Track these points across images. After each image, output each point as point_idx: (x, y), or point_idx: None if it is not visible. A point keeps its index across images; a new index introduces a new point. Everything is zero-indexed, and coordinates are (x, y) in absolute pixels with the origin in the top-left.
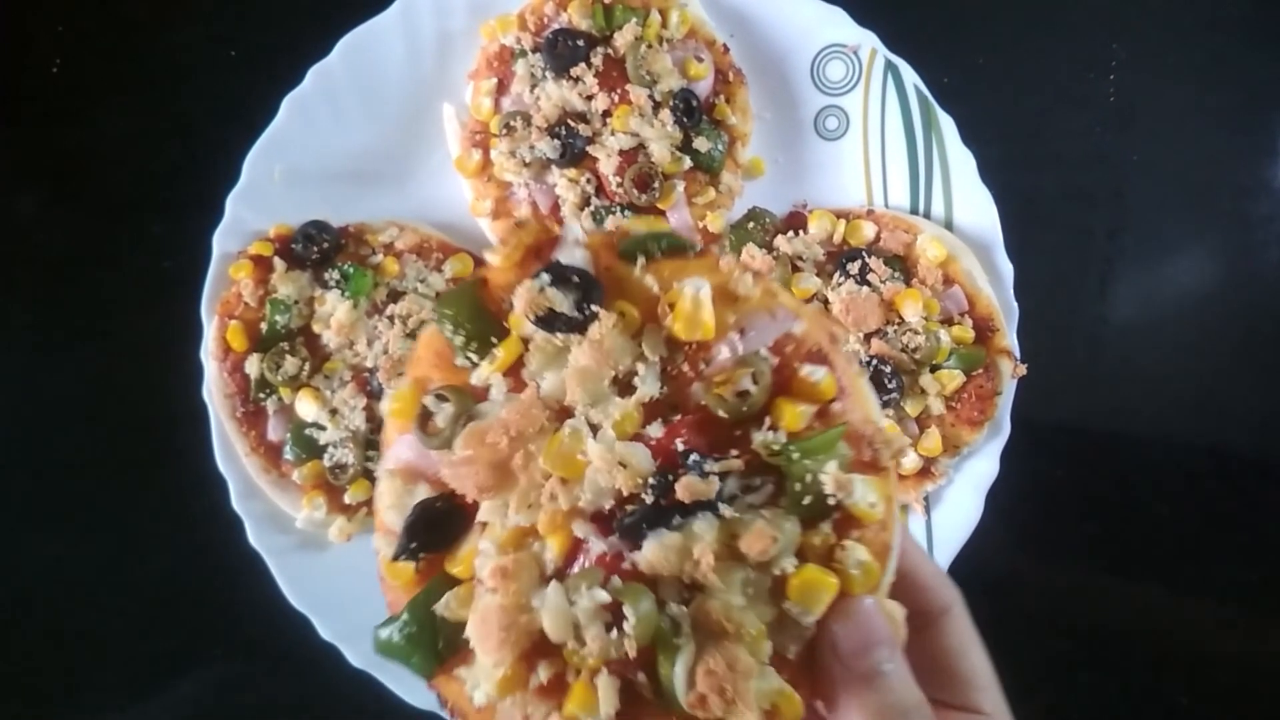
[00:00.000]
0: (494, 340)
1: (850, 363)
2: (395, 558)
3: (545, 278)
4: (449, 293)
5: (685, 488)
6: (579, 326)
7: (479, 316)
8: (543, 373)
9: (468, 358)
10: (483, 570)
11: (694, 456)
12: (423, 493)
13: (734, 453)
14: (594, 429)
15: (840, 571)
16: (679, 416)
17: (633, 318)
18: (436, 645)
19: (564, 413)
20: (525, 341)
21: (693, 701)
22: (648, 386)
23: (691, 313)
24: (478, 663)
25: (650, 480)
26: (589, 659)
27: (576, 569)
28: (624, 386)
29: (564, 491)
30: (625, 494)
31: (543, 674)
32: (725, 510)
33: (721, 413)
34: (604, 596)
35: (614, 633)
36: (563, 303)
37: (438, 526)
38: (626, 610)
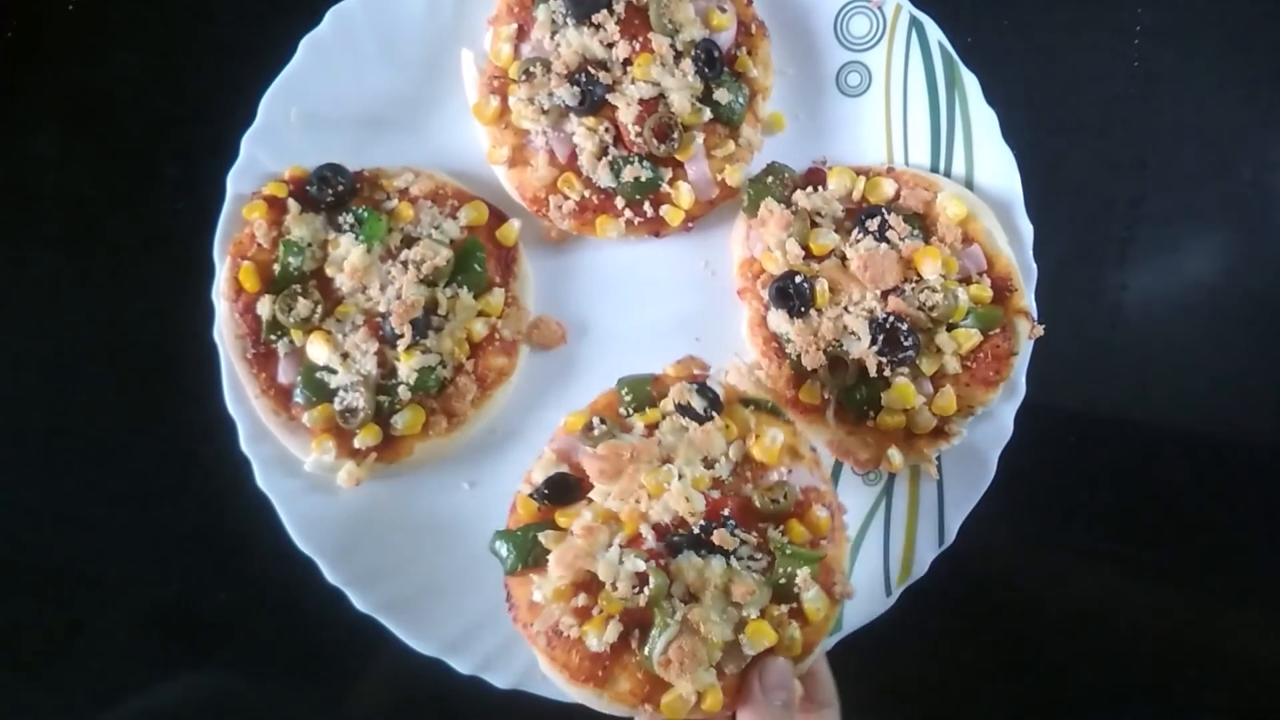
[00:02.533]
0: (646, 409)
1: (842, 527)
2: (530, 496)
3: (694, 386)
4: (634, 377)
5: (719, 536)
6: (699, 419)
7: (643, 394)
8: (667, 436)
9: (627, 410)
10: (576, 526)
11: (730, 522)
12: (563, 468)
13: (754, 533)
14: (680, 476)
15: (780, 635)
16: (732, 496)
17: (731, 431)
18: (528, 556)
19: (667, 460)
20: (664, 414)
21: (660, 661)
22: (721, 469)
23: (767, 446)
24: (548, 576)
25: (699, 521)
26: (614, 602)
27: (629, 547)
28: (708, 463)
29: (647, 502)
30: (680, 522)
31: (581, 600)
32: (734, 562)
33: (758, 505)
34: (641, 565)
35: (636, 589)
36: (698, 403)
37: (562, 490)
38: (651, 580)
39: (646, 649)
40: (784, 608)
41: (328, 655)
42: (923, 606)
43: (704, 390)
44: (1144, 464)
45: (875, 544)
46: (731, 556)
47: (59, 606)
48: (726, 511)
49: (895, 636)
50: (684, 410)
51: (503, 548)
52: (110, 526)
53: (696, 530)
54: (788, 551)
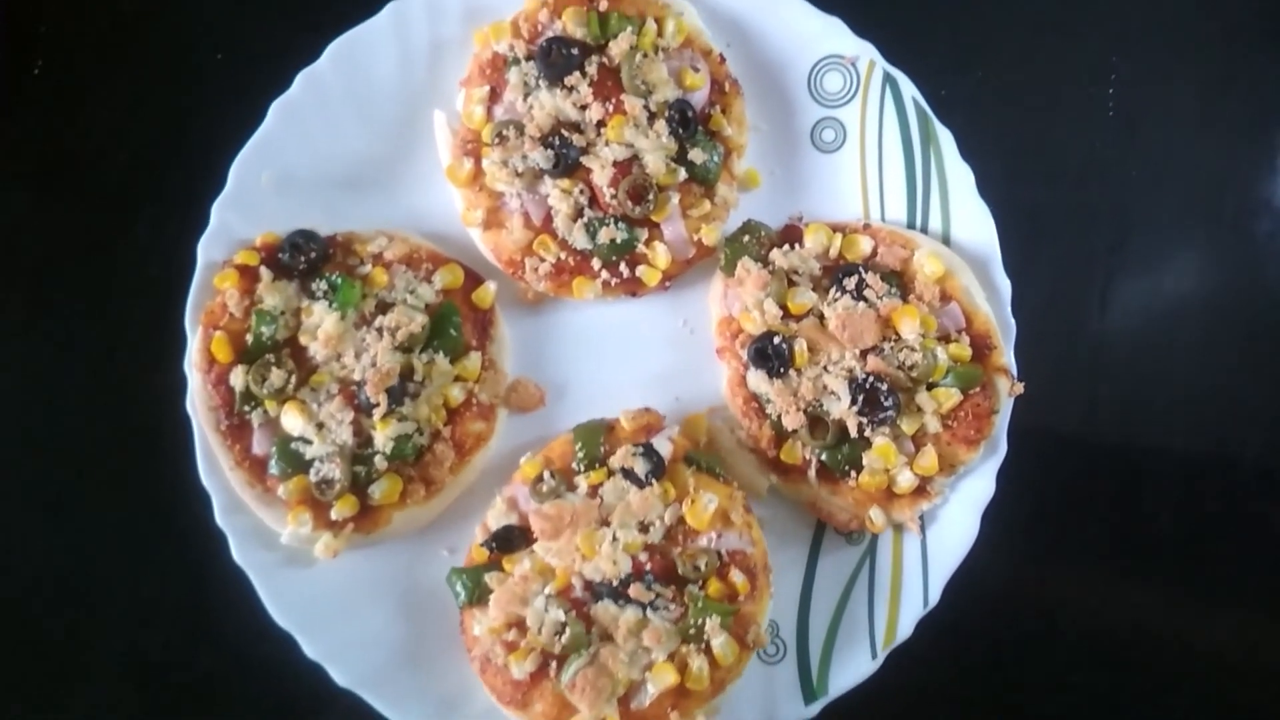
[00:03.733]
0: (596, 465)
1: (766, 585)
2: (482, 544)
3: (639, 449)
4: (590, 424)
5: (635, 590)
6: (640, 484)
7: (595, 447)
8: (609, 497)
9: (579, 465)
10: (516, 574)
11: (650, 577)
12: (511, 519)
13: (672, 587)
14: (614, 539)
15: (686, 674)
16: (657, 555)
17: (669, 494)
18: (475, 594)
19: (605, 521)
20: (610, 473)
21: (567, 685)
22: (654, 532)
23: (699, 511)
24: (489, 612)
25: (622, 577)
26: (536, 643)
27: (556, 597)
28: (642, 526)
29: (579, 561)
30: (607, 578)
31: (511, 635)
32: (648, 612)
33: (679, 571)
34: (561, 617)
35: (554, 636)
36: (641, 467)
37: (508, 542)
38: (568, 630)
39: (561, 676)
40: (693, 648)
41: None
42: (912, 666)
43: (649, 453)
44: (1129, 518)
45: (860, 606)
46: (647, 607)
47: (36, 676)
48: (649, 568)
49: (882, 699)
50: (627, 475)
51: (457, 584)
52: (82, 600)
53: (618, 584)
54: (699, 604)
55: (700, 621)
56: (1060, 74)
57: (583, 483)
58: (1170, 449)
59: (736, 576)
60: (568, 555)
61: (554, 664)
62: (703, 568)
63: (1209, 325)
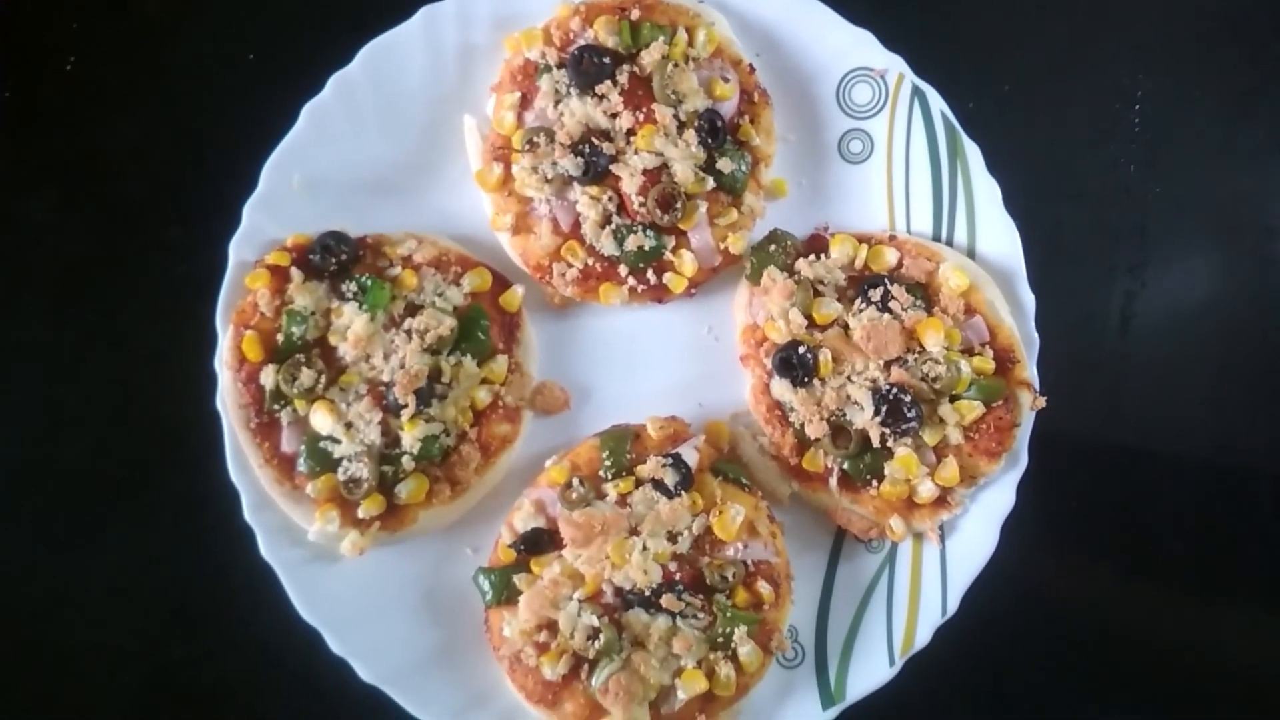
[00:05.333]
0: (624, 473)
1: (789, 592)
2: (510, 545)
3: (668, 460)
4: (615, 431)
5: (666, 600)
6: (668, 494)
7: (622, 456)
8: (638, 506)
9: (607, 473)
10: (546, 577)
11: (680, 587)
12: (539, 522)
13: (701, 596)
14: (644, 548)
15: (715, 679)
16: (685, 564)
17: (697, 504)
18: (504, 594)
19: (635, 530)
20: (638, 482)
21: (599, 689)
22: (683, 542)
23: (727, 523)
24: (518, 615)
25: (653, 586)
26: (569, 646)
27: (587, 602)
28: (671, 536)
29: (609, 568)
30: (638, 587)
31: (542, 637)
32: (678, 621)
33: (707, 581)
34: (595, 622)
35: (587, 641)
36: (670, 478)
37: (536, 544)
38: (602, 635)
39: (592, 679)
40: (720, 655)
41: None
42: (929, 673)
43: (678, 464)
44: (1148, 530)
45: (879, 613)
46: (677, 616)
47: (65, 675)
48: (678, 577)
49: (900, 706)
50: (657, 485)
51: (484, 583)
52: (113, 596)
53: (649, 593)
54: (728, 614)
55: (728, 630)
56: (1086, 92)
57: (611, 491)
58: (1189, 463)
59: (762, 586)
60: (598, 562)
61: (584, 667)
62: (730, 578)
63: (1228, 342)
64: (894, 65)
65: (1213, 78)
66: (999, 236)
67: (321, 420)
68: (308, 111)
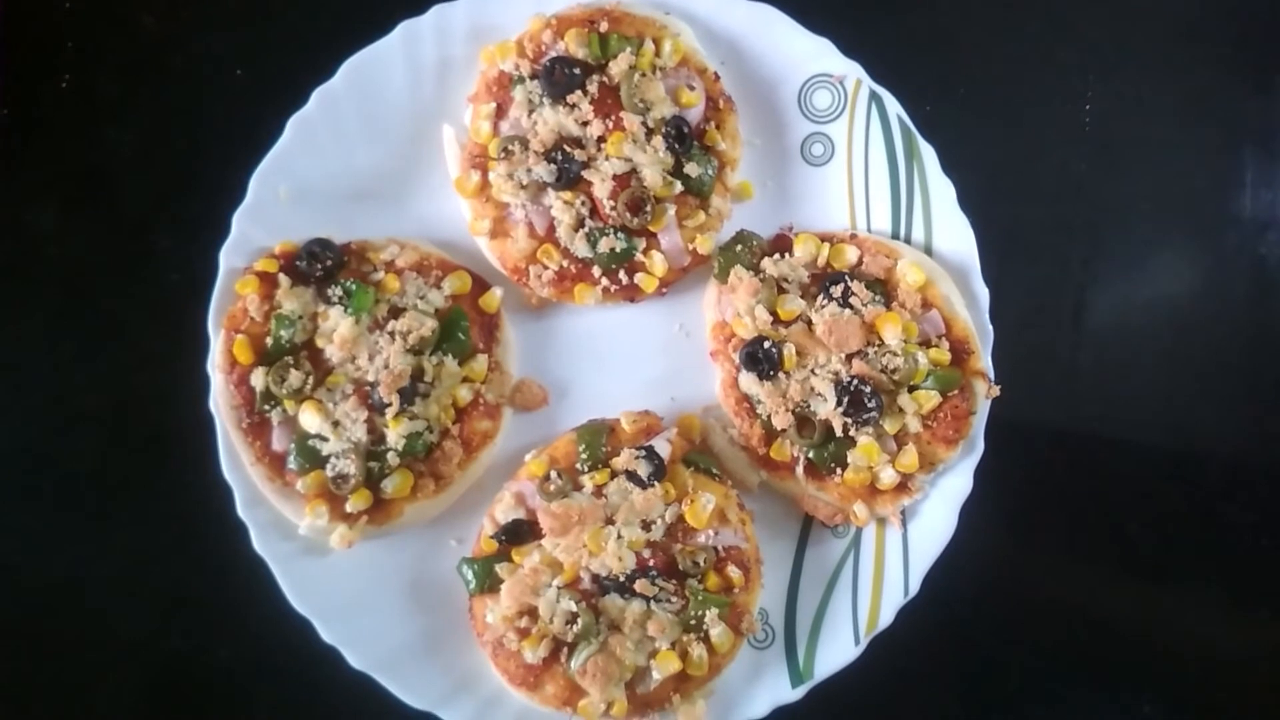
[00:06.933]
0: (600, 465)
1: (758, 576)
2: (491, 536)
3: (641, 452)
4: (591, 425)
5: (641, 585)
6: (641, 485)
7: (598, 448)
8: (614, 497)
9: (583, 465)
10: (526, 566)
11: (654, 572)
12: (519, 513)
13: (674, 581)
14: (619, 536)
15: (687, 660)
16: (658, 551)
17: (670, 494)
18: (486, 582)
19: (610, 519)
20: (613, 474)
21: (578, 671)
22: (656, 530)
23: (698, 511)
24: (500, 602)
25: (628, 572)
26: (548, 630)
27: (566, 589)
28: (645, 524)
29: (586, 556)
30: (613, 572)
31: (523, 623)
32: (652, 605)
33: (680, 566)
34: (573, 607)
35: (566, 626)
36: (644, 470)
37: (517, 535)
38: (579, 620)
39: (571, 662)
40: (693, 637)
41: (323, 713)
42: (894, 651)
43: (651, 456)
44: (1100, 513)
45: (845, 595)
46: (651, 601)
47: (61, 670)
48: (652, 564)
49: (865, 682)
50: (631, 476)
51: (468, 572)
52: (110, 591)
53: (624, 579)
54: (699, 597)
55: (700, 613)
56: (1039, 94)
57: (588, 482)
58: (1140, 448)
59: (732, 571)
60: (575, 551)
61: (564, 650)
62: (702, 563)
63: (1179, 332)
64: (852, 71)
65: (1162, 81)
66: (954, 234)
67: (310, 419)
68: (293, 124)
